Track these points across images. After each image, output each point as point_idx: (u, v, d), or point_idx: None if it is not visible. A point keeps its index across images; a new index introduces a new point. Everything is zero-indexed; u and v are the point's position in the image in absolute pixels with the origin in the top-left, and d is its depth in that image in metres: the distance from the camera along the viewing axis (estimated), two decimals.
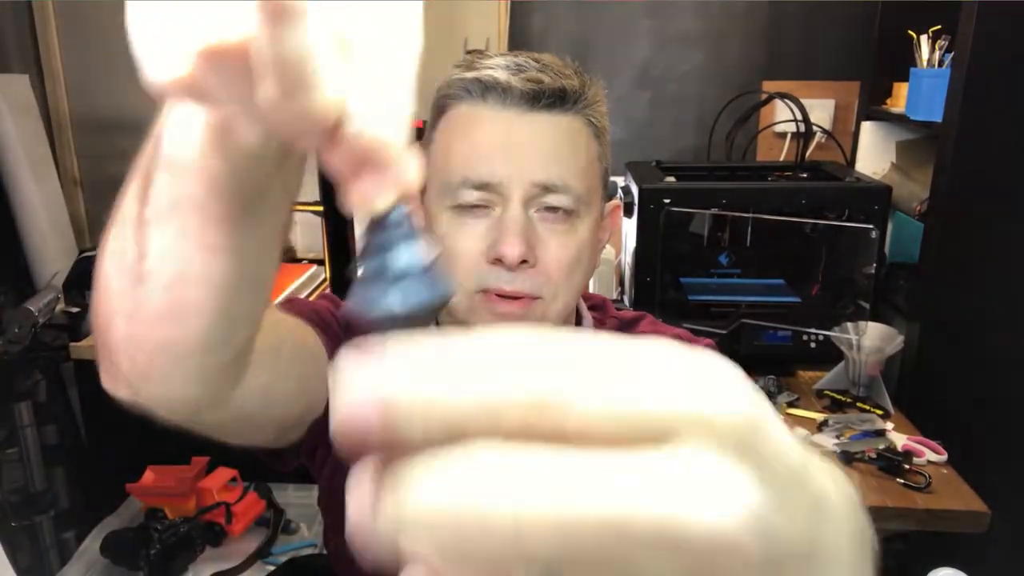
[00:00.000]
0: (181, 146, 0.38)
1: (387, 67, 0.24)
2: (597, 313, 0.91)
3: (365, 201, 0.24)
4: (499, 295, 0.72)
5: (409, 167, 0.25)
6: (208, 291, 0.42)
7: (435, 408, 0.19)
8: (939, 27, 1.75)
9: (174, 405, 0.49)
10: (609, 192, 0.83)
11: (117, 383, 0.48)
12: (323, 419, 0.67)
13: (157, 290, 0.43)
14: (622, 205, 1.72)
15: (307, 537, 1.51)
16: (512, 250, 0.70)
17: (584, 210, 0.74)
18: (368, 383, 0.19)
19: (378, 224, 0.25)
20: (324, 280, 2.09)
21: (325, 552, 1.34)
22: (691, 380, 0.19)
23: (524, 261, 0.71)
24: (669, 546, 0.17)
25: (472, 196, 0.72)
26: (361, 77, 0.24)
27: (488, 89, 0.72)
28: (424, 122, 0.81)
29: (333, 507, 0.84)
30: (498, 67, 0.72)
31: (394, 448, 0.19)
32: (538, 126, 0.72)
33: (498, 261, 0.71)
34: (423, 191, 0.79)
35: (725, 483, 0.18)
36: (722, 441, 0.18)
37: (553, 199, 0.72)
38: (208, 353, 0.46)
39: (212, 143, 0.36)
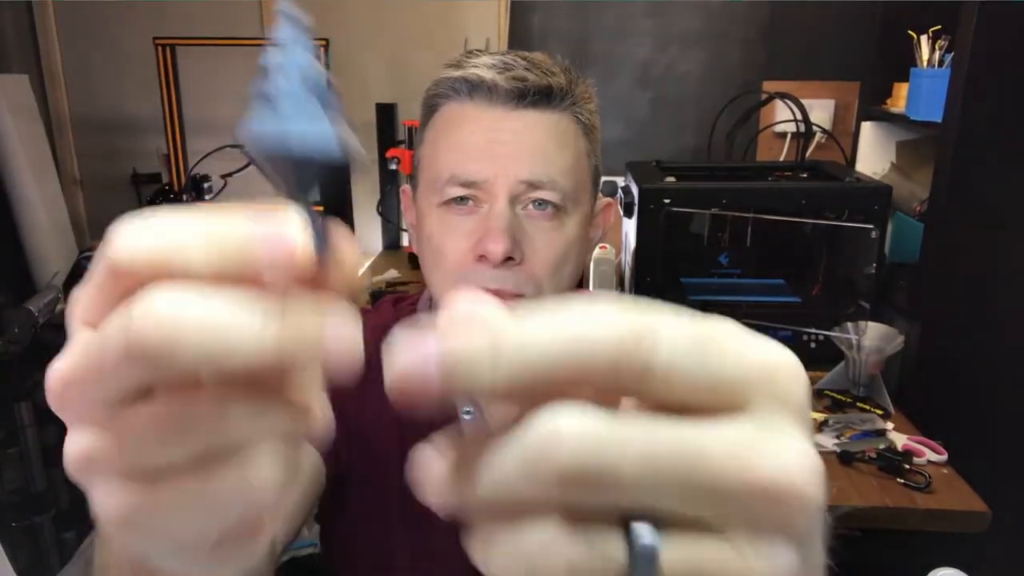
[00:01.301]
0: None
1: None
2: None
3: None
4: None
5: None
6: None
7: (520, 352, 0.19)
8: (939, 27, 1.75)
9: None
10: (603, 191, 0.83)
11: None
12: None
13: None
14: (617, 203, 1.71)
15: (307, 537, 1.51)
16: (497, 247, 0.69)
17: (572, 207, 0.74)
18: (426, 341, 0.19)
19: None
20: None
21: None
22: (762, 350, 0.21)
23: (510, 258, 0.70)
24: (753, 494, 0.19)
25: (459, 194, 0.72)
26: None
27: (475, 88, 0.72)
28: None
29: (330, 519, 0.84)
30: (484, 66, 0.72)
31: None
32: (524, 123, 0.72)
33: (483, 258, 0.70)
34: (415, 188, 0.79)
35: (798, 441, 0.20)
36: (789, 408, 0.20)
37: (539, 195, 0.72)
38: None
39: None
